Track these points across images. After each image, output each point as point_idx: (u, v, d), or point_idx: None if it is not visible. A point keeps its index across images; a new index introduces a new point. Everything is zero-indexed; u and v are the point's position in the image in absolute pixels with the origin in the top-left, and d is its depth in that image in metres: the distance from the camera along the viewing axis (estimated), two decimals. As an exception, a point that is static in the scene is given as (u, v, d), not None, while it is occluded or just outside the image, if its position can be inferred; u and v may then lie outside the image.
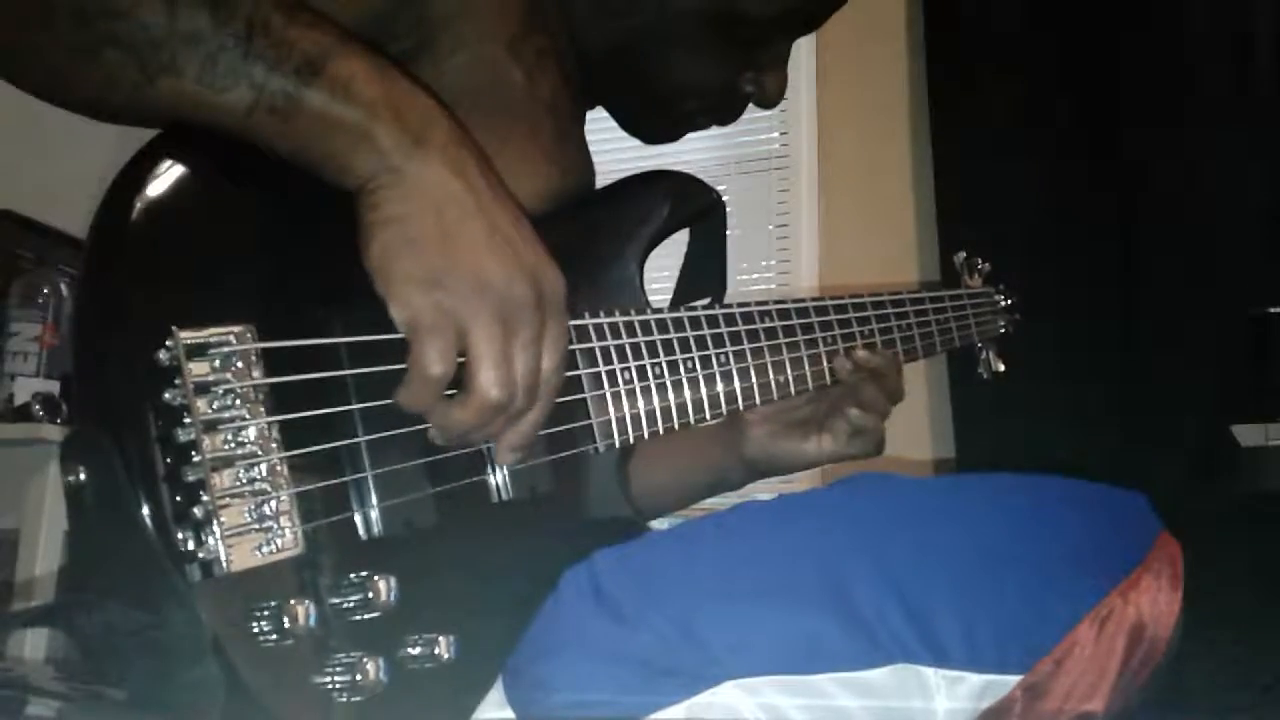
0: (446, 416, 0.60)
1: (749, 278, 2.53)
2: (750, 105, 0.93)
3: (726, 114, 0.92)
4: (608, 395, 0.72)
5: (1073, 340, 1.98)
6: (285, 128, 0.57)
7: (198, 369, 0.52)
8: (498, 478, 0.66)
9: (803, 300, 0.88)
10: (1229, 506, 1.71)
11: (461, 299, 0.58)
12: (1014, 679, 0.57)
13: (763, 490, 0.92)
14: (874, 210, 2.41)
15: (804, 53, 2.46)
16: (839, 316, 0.90)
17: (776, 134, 2.55)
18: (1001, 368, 1.16)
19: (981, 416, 2.15)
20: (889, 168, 2.40)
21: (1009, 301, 1.17)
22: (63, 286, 2.00)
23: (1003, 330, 1.16)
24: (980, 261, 1.17)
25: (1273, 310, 1.88)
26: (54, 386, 1.92)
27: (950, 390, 2.22)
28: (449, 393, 0.60)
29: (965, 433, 2.20)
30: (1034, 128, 2.19)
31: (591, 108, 0.92)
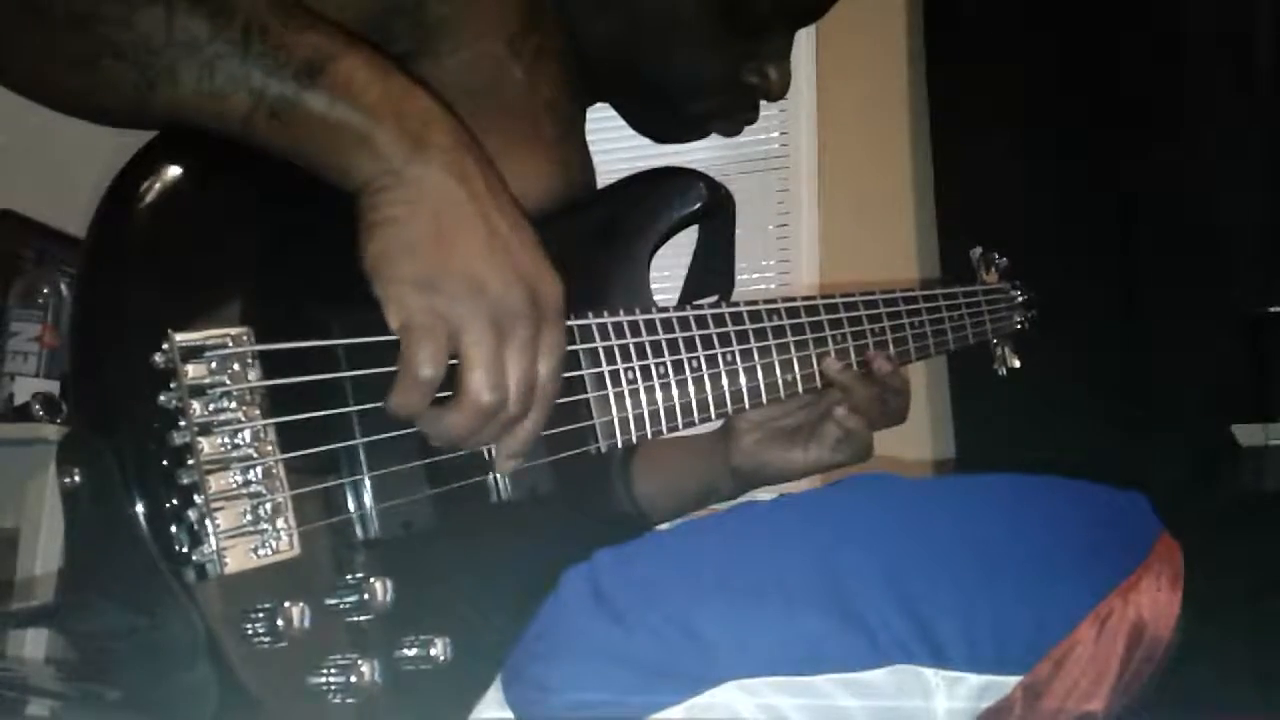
0: (438, 422, 0.59)
1: (749, 278, 2.53)
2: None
3: (736, 113, 0.90)
4: (610, 395, 0.72)
5: (1072, 340, 1.98)
6: (285, 131, 0.57)
7: (194, 371, 0.52)
8: (497, 478, 0.65)
9: (812, 298, 0.87)
10: (1229, 506, 1.70)
11: (455, 302, 0.58)
12: (1014, 679, 0.57)
13: (762, 491, 0.92)
14: (874, 210, 2.40)
15: (804, 52, 2.46)
16: (849, 314, 0.90)
17: (776, 134, 2.55)
18: (1017, 364, 1.15)
19: (981, 416, 2.15)
20: (889, 167, 2.39)
21: (1025, 297, 1.16)
22: (63, 286, 2.00)
23: (1019, 326, 1.15)
24: (997, 256, 1.16)
25: (1273, 310, 1.88)
26: (54, 386, 1.92)
27: (950, 390, 2.22)
28: (443, 395, 0.60)
29: (965, 433, 2.20)
30: (1034, 127, 2.19)
31: (591, 104, 0.91)
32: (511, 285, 0.60)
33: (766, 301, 0.84)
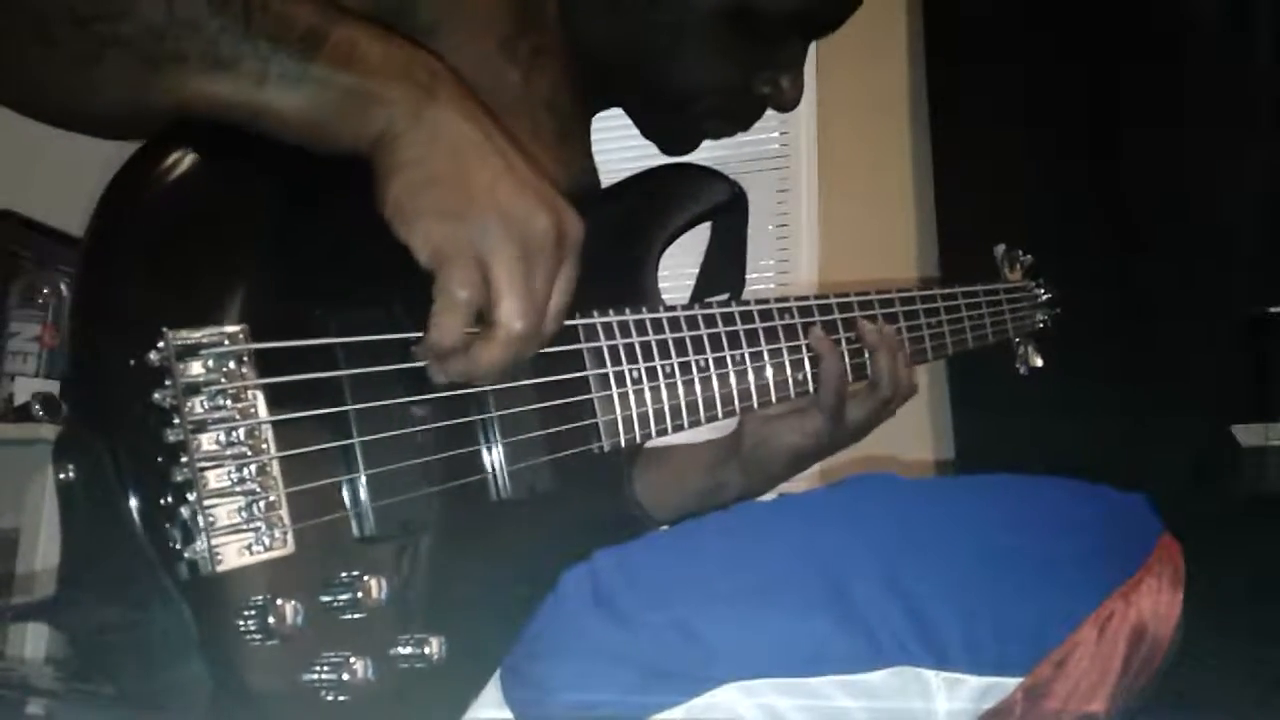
0: (471, 360, 0.59)
1: (748, 278, 2.52)
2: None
3: (742, 118, 0.90)
4: (615, 394, 0.72)
5: (1072, 340, 1.97)
6: (294, 100, 0.57)
7: (191, 369, 0.52)
8: (497, 477, 0.65)
9: (824, 296, 0.87)
10: (1229, 506, 1.70)
11: (482, 231, 0.58)
12: (1015, 681, 0.57)
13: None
14: (874, 210, 2.40)
15: (804, 52, 2.45)
16: (864, 313, 0.89)
17: (776, 134, 2.55)
18: (1039, 363, 1.14)
19: (981, 417, 2.15)
20: (889, 167, 2.39)
21: (1048, 295, 1.15)
22: (63, 286, 2.00)
23: (1041, 325, 1.14)
24: (1021, 254, 1.15)
25: (1273, 310, 1.87)
26: (54, 386, 1.91)
27: (950, 390, 2.22)
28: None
29: (964, 433, 2.19)
30: (1034, 127, 2.18)
31: (601, 109, 0.90)
32: (536, 214, 0.59)
33: (778, 300, 0.84)
